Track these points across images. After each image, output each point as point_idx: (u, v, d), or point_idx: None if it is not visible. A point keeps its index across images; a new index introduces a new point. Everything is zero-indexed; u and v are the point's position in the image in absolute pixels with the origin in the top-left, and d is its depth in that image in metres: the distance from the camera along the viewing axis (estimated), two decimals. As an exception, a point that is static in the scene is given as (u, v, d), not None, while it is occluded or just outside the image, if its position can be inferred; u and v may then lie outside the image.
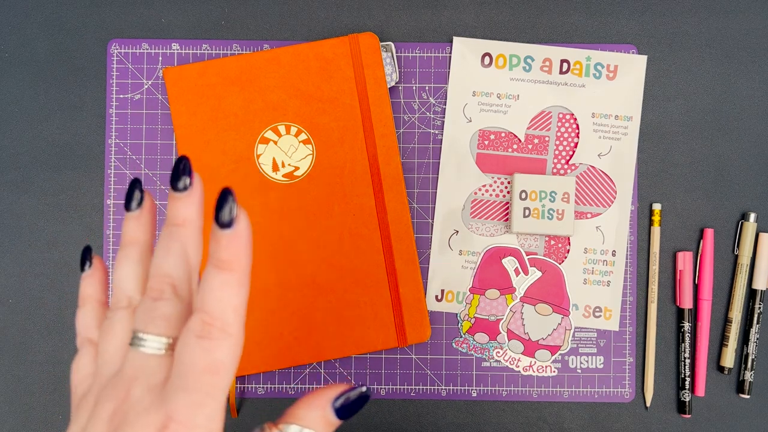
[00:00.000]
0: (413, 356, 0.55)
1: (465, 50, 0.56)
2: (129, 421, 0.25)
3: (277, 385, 0.55)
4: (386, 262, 0.54)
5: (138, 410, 0.25)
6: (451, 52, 0.57)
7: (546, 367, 0.55)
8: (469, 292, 0.56)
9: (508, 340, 0.55)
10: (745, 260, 0.55)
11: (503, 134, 0.56)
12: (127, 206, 0.31)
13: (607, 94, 0.56)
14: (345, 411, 0.29)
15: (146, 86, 0.56)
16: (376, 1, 0.57)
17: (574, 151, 0.56)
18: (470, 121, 0.56)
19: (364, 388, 0.30)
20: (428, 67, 0.57)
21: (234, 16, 0.57)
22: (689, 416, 0.55)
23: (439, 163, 0.56)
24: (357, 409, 0.30)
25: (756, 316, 0.55)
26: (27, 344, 0.55)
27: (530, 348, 0.55)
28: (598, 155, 0.56)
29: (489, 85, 0.56)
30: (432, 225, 0.56)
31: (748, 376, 0.55)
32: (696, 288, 0.56)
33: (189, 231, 0.28)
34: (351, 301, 0.54)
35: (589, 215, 0.56)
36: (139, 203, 0.31)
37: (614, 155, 0.56)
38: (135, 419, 0.25)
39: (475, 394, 0.55)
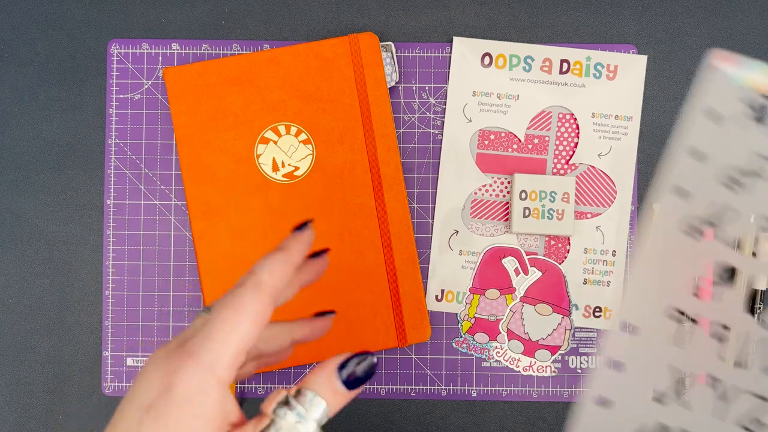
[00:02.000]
0: (413, 356, 0.55)
1: (465, 50, 0.56)
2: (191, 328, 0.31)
3: (277, 385, 0.55)
4: (386, 262, 0.54)
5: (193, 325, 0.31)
6: (451, 52, 0.57)
7: (546, 367, 0.55)
8: (469, 292, 0.56)
9: (508, 340, 0.55)
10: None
11: (503, 134, 0.56)
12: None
13: (607, 94, 0.56)
14: (352, 382, 0.31)
15: (146, 86, 0.56)
16: (376, 0, 0.57)
17: (574, 151, 0.56)
18: (470, 121, 0.56)
19: (373, 359, 0.31)
20: (428, 67, 0.57)
21: (234, 16, 0.57)
22: (689, 416, 0.55)
23: (439, 163, 0.56)
24: (366, 379, 0.31)
25: (756, 316, 0.55)
26: (27, 344, 0.55)
27: (530, 348, 0.55)
28: (598, 155, 0.56)
29: (489, 85, 0.56)
30: (432, 225, 0.56)
31: (748, 376, 0.55)
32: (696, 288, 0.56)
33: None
34: (351, 301, 0.54)
35: (589, 215, 0.56)
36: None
37: (614, 155, 0.56)
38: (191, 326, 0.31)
39: (475, 394, 0.55)
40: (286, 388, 0.30)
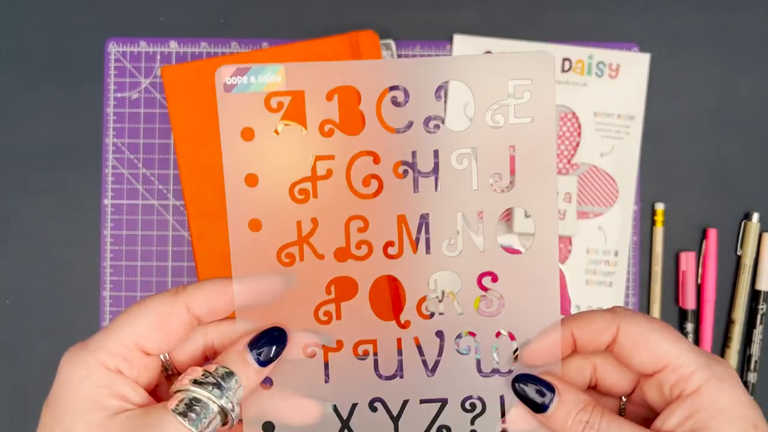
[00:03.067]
0: (413, 357, 0.55)
1: (466, 48, 0.56)
2: None
3: None
4: (386, 262, 0.54)
5: None
6: (451, 51, 0.56)
7: (547, 368, 0.55)
8: (469, 293, 0.55)
9: (511, 341, 0.55)
10: (748, 260, 0.55)
11: (504, 133, 0.56)
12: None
13: (609, 92, 0.56)
14: (264, 360, 0.31)
15: (144, 85, 0.56)
16: (376, -1, 0.57)
17: (576, 151, 0.56)
18: (471, 120, 0.56)
19: (284, 334, 0.31)
20: (429, 66, 0.56)
21: (233, 15, 0.56)
22: (692, 418, 0.55)
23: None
24: (277, 355, 0.31)
25: (759, 317, 0.55)
26: (25, 345, 0.55)
27: (531, 349, 0.55)
28: (600, 155, 0.56)
29: (490, 83, 0.56)
30: (432, 225, 0.56)
31: (752, 377, 0.54)
32: (699, 289, 0.56)
33: None
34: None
35: (591, 215, 0.56)
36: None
37: (616, 155, 0.56)
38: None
39: (475, 396, 0.55)
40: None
